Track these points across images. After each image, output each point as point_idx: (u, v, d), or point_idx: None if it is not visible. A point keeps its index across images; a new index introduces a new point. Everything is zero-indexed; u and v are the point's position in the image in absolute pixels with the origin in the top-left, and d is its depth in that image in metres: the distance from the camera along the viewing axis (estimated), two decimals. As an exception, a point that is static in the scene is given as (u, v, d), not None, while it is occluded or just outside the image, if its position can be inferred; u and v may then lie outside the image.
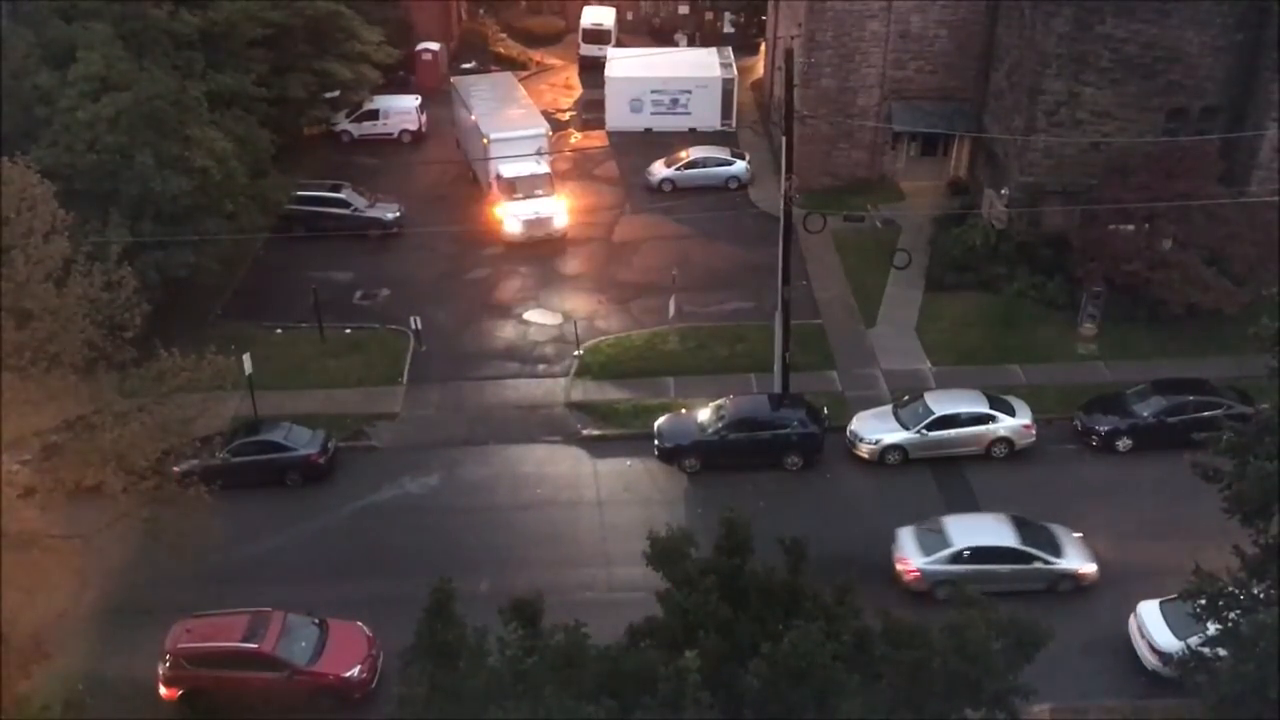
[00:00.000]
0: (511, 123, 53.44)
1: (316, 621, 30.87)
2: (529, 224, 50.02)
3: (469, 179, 55.31)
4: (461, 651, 20.29)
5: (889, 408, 38.84)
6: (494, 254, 49.94)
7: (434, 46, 65.61)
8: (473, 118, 53.89)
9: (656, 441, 38.05)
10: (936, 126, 51.68)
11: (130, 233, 38.57)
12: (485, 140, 51.68)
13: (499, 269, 49.15)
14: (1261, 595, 23.01)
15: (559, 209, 50.86)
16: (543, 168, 51.60)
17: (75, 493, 27.96)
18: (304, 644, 30.12)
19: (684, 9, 72.98)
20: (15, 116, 39.71)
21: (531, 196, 50.46)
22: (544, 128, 53.89)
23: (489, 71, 66.36)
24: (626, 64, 61.38)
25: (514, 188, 50.55)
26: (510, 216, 50.17)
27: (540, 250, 49.94)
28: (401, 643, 21.98)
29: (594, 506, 36.74)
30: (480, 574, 32.10)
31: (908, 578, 32.33)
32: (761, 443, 37.52)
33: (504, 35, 71.94)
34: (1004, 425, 37.52)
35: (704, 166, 55.05)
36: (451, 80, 60.03)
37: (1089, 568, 32.36)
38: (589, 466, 38.37)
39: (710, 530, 22.78)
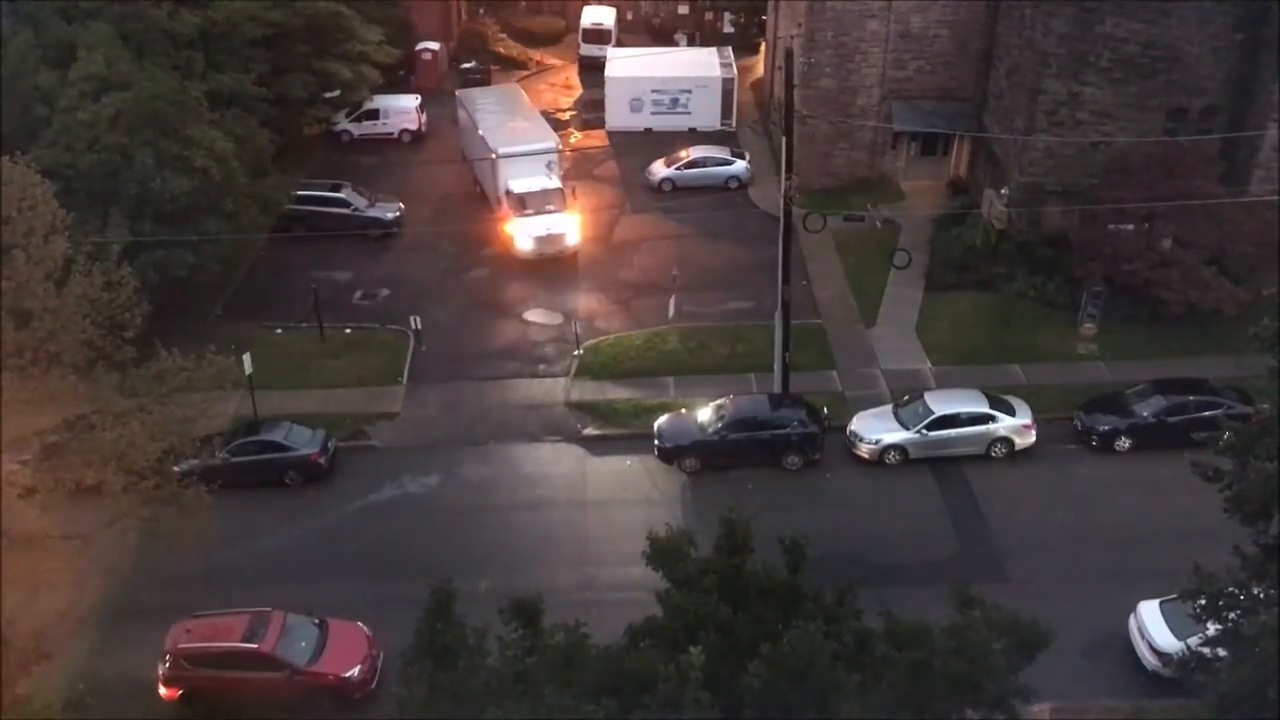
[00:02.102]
0: (520, 137, 51.52)
1: (316, 621, 30.88)
2: (540, 241, 48.54)
3: (476, 193, 53.99)
4: (461, 652, 20.28)
5: (889, 408, 38.84)
6: (494, 254, 49.87)
7: (434, 46, 65.61)
8: (480, 132, 52.22)
9: (656, 441, 38.04)
10: (936, 126, 51.68)
11: (130, 233, 38.60)
12: (493, 155, 50.06)
13: (499, 269, 49.12)
14: (1261, 595, 22.98)
15: (571, 225, 49.23)
16: (554, 182, 50.00)
17: (75, 493, 27.94)
18: (304, 644, 30.12)
19: (684, 9, 72.95)
20: (15, 116, 39.75)
21: (543, 212, 48.83)
22: (554, 141, 52.17)
23: (490, 70, 66.32)
24: (626, 64, 61.37)
25: (524, 203, 48.94)
26: (521, 234, 48.69)
27: (547, 257, 48.97)
28: (401, 643, 21.99)
29: (594, 506, 36.73)
30: (480, 574, 32.10)
31: None
32: (761, 443, 37.52)
33: (504, 35, 71.90)
34: (1004, 425, 37.52)
35: (704, 166, 55.05)
36: (456, 93, 58.77)
37: None
38: (589, 466, 38.37)
39: (710, 530, 22.77)
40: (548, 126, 54.25)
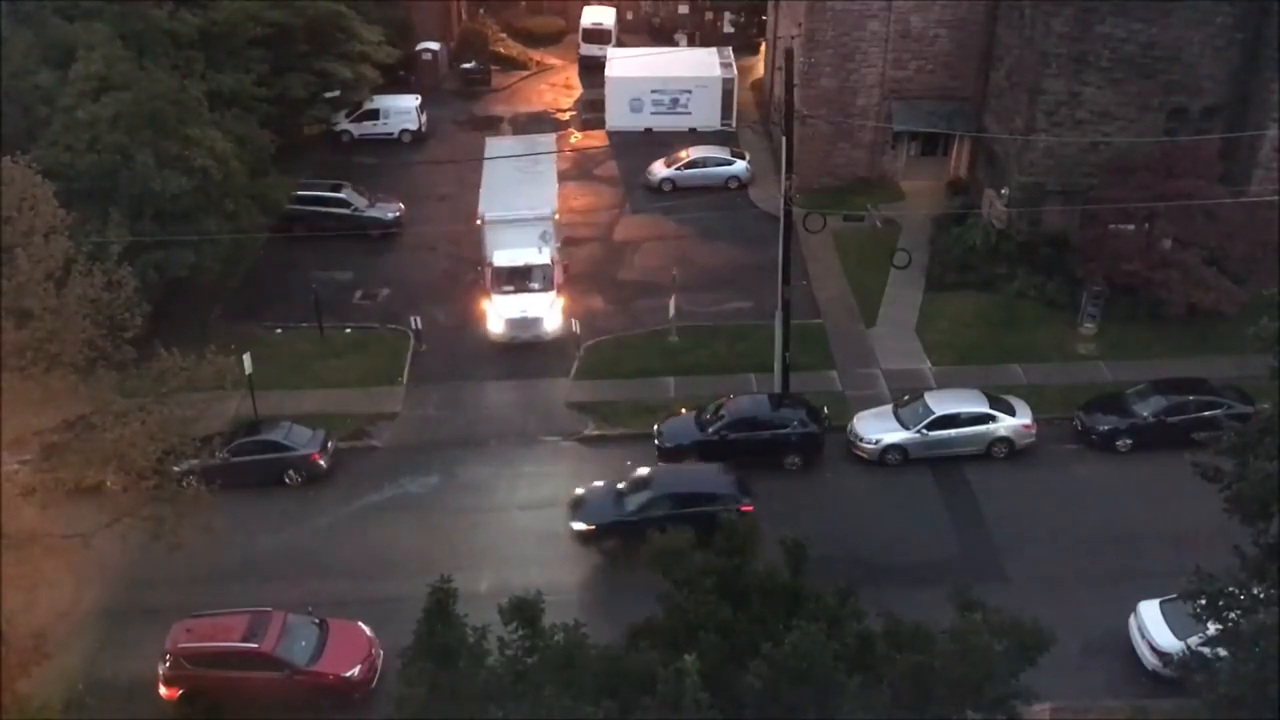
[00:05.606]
0: (514, 201, 45.91)
1: (316, 621, 30.89)
2: (513, 324, 43.19)
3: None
4: (461, 651, 20.30)
5: (889, 408, 38.83)
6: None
7: (434, 46, 65.60)
8: (479, 190, 47.57)
9: (657, 441, 38.03)
10: (936, 126, 51.67)
11: (130, 233, 38.59)
12: (479, 220, 45.47)
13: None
14: (1261, 595, 22.97)
15: (553, 310, 43.61)
16: (543, 257, 44.51)
17: (75, 493, 27.98)
18: (304, 644, 30.13)
19: (684, 9, 72.93)
20: (15, 116, 39.72)
21: (525, 291, 43.67)
22: (550, 208, 46.04)
23: (490, 70, 66.21)
24: (626, 64, 61.32)
25: (504, 279, 43.71)
26: (494, 313, 43.48)
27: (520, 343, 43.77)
28: (401, 643, 21.99)
29: (594, 506, 36.70)
30: (480, 574, 32.12)
31: None
32: (761, 443, 37.49)
33: (504, 35, 71.88)
34: (1004, 425, 37.52)
35: (704, 166, 55.03)
36: (486, 139, 55.74)
37: None
38: (589, 466, 38.35)
39: (710, 530, 22.80)
40: (551, 191, 47.85)
